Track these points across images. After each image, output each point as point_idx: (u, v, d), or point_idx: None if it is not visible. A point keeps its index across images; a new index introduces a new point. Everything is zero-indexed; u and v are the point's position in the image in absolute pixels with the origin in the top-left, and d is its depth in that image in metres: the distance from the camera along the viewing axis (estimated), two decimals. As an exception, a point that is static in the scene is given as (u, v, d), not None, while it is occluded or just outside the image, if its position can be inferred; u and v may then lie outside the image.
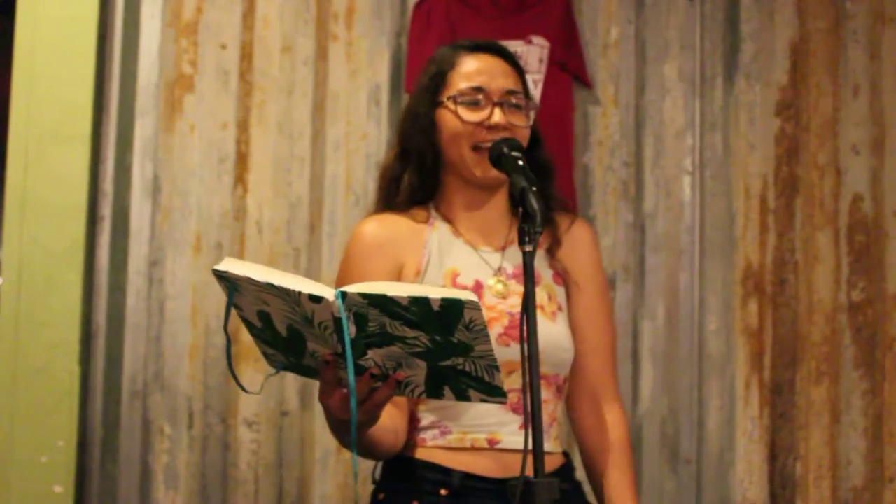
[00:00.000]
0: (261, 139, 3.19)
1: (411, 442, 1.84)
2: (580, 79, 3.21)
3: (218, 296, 3.14)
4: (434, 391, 1.57)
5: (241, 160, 3.19)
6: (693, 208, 3.20)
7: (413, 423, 1.84)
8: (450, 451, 1.80)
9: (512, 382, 1.78)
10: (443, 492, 1.79)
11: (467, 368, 1.52)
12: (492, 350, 1.49)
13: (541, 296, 1.86)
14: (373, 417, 1.60)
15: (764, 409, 3.15)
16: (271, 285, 1.46)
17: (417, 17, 3.21)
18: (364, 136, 3.19)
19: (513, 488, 1.75)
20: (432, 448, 1.82)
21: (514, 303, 1.83)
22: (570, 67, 3.20)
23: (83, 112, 3.10)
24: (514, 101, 1.86)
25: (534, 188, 1.62)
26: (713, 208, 3.21)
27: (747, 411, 3.15)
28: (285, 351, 1.57)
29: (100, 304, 3.12)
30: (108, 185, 3.15)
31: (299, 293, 1.45)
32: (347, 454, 3.08)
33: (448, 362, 1.52)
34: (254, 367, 3.11)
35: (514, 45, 3.16)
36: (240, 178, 3.18)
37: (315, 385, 3.26)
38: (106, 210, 3.14)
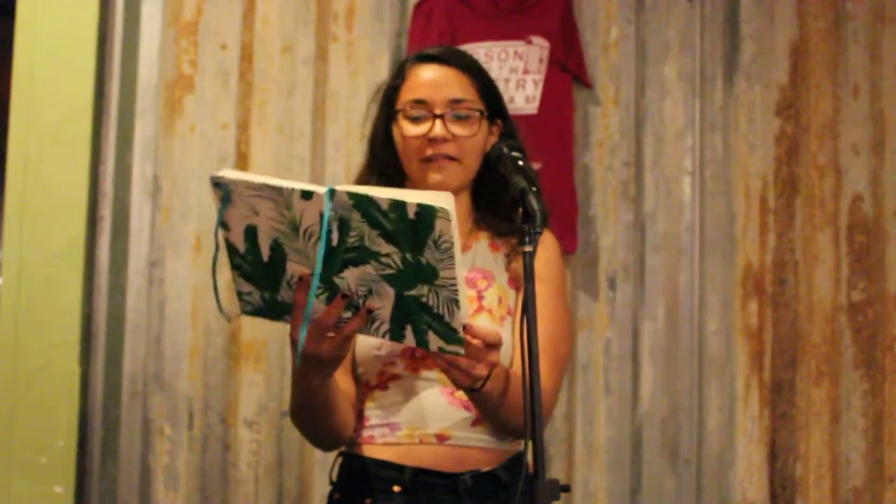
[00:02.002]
0: (261, 139, 3.19)
1: (360, 440, 1.86)
2: (580, 79, 3.21)
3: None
4: (397, 331, 1.61)
5: (241, 160, 3.19)
6: (693, 208, 3.20)
7: (361, 422, 1.87)
8: (400, 448, 1.82)
9: None
10: (395, 488, 1.80)
11: (430, 302, 1.55)
12: (455, 279, 1.53)
13: (491, 299, 1.88)
14: (338, 356, 1.63)
15: (764, 410, 3.15)
16: (266, 185, 1.51)
17: (417, 17, 3.21)
18: (364, 137, 3.18)
19: (465, 482, 1.78)
20: (381, 445, 1.83)
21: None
22: (570, 67, 3.20)
23: (83, 113, 3.10)
24: (458, 110, 1.85)
25: (534, 188, 1.63)
26: (713, 208, 3.21)
27: (747, 411, 3.15)
28: (263, 283, 1.61)
29: (100, 304, 3.12)
30: (108, 185, 3.15)
31: (292, 190, 1.50)
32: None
33: (414, 291, 1.55)
34: (253, 367, 3.11)
35: (514, 46, 3.17)
36: (240, 179, 3.18)
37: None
38: (106, 210, 3.14)
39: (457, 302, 1.54)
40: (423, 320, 1.58)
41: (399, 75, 1.93)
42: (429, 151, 1.85)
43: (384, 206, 1.49)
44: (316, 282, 1.53)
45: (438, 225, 1.49)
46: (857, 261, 3.18)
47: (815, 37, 3.25)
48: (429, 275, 1.54)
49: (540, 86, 3.16)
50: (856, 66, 3.23)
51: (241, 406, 3.11)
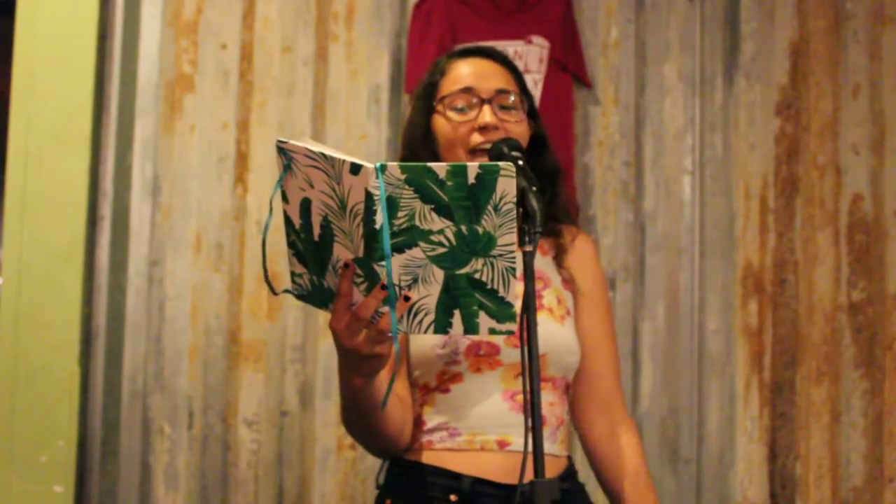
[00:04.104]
0: (261, 139, 3.19)
1: (417, 445, 1.81)
2: (580, 79, 3.22)
3: (217, 296, 3.14)
4: (443, 320, 1.53)
5: (241, 160, 3.19)
6: (693, 208, 3.20)
7: (419, 426, 1.82)
8: (459, 454, 1.77)
9: (520, 384, 1.78)
10: (452, 497, 1.75)
11: (484, 277, 1.51)
12: (514, 245, 1.48)
13: (550, 299, 1.86)
14: (378, 355, 1.53)
15: (764, 409, 3.15)
16: (322, 154, 1.47)
17: (417, 17, 3.21)
18: (364, 137, 3.19)
19: (524, 494, 1.75)
20: (441, 451, 1.78)
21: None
22: (569, 67, 3.20)
23: (83, 112, 3.10)
24: (504, 101, 1.84)
25: (533, 188, 1.62)
26: (713, 208, 3.21)
27: (747, 411, 3.15)
28: (313, 265, 1.55)
29: (100, 304, 3.12)
30: (108, 185, 3.15)
31: (343, 161, 1.45)
32: (347, 453, 3.09)
33: (466, 268, 1.50)
34: (253, 367, 3.11)
35: (514, 45, 3.17)
36: (240, 178, 3.19)
37: (314, 385, 3.25)
38: (106, 210, 3.14)
39: (513, 270, 1.49)
40: (474, 301, 1.52)
41: (438, 71, 1.89)
42: (478, 138, 1.81)
43: (441, 175, 1.45)
44: (390, 264, 1.47)
45: (501, 185, 1.45)
46: (857, 260, 3.18)
47: (815, 36, 3.25)
48: (485, 245, 1.49)
49: (540, 85, 3.16)
50: (856, 65, 3.24)
51: (241, 406, 3.11)
